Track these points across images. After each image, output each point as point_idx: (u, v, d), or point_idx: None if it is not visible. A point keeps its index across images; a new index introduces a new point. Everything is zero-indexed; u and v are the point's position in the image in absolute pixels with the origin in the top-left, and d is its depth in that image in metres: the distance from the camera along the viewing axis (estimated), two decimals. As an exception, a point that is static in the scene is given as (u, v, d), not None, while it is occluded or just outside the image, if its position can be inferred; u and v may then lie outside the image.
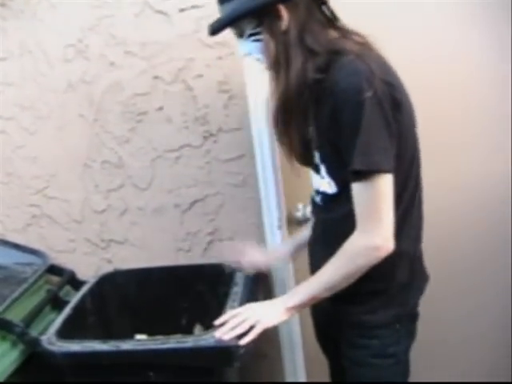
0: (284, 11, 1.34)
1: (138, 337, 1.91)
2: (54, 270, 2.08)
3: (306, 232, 1.71)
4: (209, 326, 1.55)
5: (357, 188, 1.35)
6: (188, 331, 1.90)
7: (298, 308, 1.51)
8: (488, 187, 1.96)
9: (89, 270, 2.14)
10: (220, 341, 1.45)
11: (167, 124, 1.99)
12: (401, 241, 1.41)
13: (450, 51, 1.88)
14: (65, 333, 1.66)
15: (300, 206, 2.06)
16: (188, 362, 1.52)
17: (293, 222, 2.07)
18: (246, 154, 1.96)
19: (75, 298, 1.87)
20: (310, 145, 1.47)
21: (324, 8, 1.42)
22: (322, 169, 1.46)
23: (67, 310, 1.79)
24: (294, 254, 1.78)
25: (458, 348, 2.11)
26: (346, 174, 1.35)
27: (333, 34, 1.41)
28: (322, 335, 1.76)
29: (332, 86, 1.31)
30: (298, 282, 1.90)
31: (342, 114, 1.31)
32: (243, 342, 1.43)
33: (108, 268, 2.12)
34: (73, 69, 2.01)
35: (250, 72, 1.88)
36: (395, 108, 1.32)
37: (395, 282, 1.47)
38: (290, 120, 1.45)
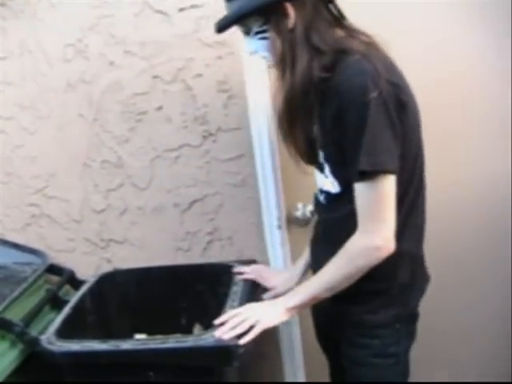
0: (291, 9, 1.35)
1: (138, 336, 1.91)
2: (53, 269, 2.08)
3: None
4: (208, 326, 1.55)
5: (360, 188, 1.35)
6: (187, 331, 1.90)
7: (299, 308, 1.51)
8: (488, 182, 1.97)
9: (88, 269, 2.14)
10: (219, 340, 1.45)
11: (167, 124, 1.99)
12: (403, 241, 1.42)
13: (450, 50, 1.88)
14: (64, 332, 1.66)
15: (299, 205, 2.06)
16: (187, 361, 1.51)
17: (292, 222, 2.07)
18: (246, 154, 1.96)
19: (75, 298, 1.87)
20: (315, 144, 1.47)
21: (331, 7, 1.43)
22: (326, 168, 1.46)
23: (67, 310, 1.79)
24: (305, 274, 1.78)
25: (458, 340, 2.11)
26: (349, 173, 1.35)
27: (339, 32, 1.41)
28: (322, 335, 1.76)
29: (337, 86, 1.32)
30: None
31: (346, 114, 1.31)
32: (243, 341, 1.44)
33: (107, 267, 2.12)
34: (72, 68, 2.01)
35: (249, 72, 1.88)
36: (400, 109, 1.32)
37: (397, 283, 1.47)
38: (294, 118, 1.45)
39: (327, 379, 1.85)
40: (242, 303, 1.61)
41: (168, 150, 2.01)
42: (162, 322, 1.93)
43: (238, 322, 1.47)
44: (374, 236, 1.36)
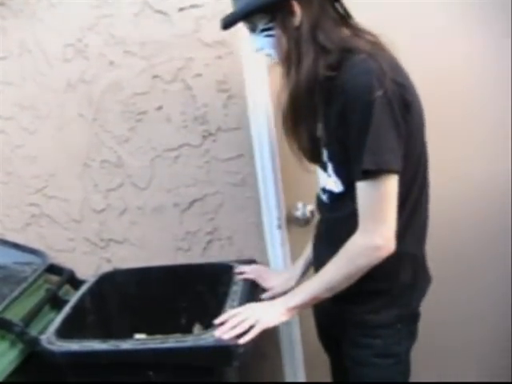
0: (297, 7, 1.35)
1: (138, 336, 1.91)
2: (53, 269, 2.08)
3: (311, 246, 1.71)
4: (208, 326, 1.55)
5: (362, 187, 1.35)
6: (187, 330, 1.90)
7: (299, 308, 1.51)
8: (488, 179, 1.97)
9: (88, 269, 2.14)
10: (219, 340, 1.46)
11: (166, 123, 1.99)
12: (405, 241, 1.42)
13: (450, 49, 1.88)
14: (64, 332, 1.66)
15: (299, 204, 2.06)
16: (187, 361, 1.51)
17: (292, 221, 2.07)
18: (245, 154, 1.96)
19: (74, 298, 1.87)
20: (318, 142, 1.47)
21: (337, 5, 1.43)
22: (329, 167, 1.46)
23: (66, 310, 1.79)
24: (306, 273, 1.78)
25: (458, 339, 2.11)
26: (352, 172, 1.35)
27: (345, 31, 1.41)
28: (324, 335, 1.76)
29: (343, 84, 1.32)
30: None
31: (351, 113, 1.31)
32: (242, 340, 1.44)
33: (107, 267, 2.12)
34: (72, 68, 2.01)
35: (249, 71, 1.88)
36: (405, 108, 1.32)
37: (398, 283, 1.47)
38: (299, 116, 1.45)
39: (327, 379, 1.85)
40: (241, 303, 1.61)
41: (168, 149, 2.01)
42: (162, 321, 1.93)
43: (237, 322, 1.47)
44: (375, 235, 1.36)
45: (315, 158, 1.53)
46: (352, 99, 1.30)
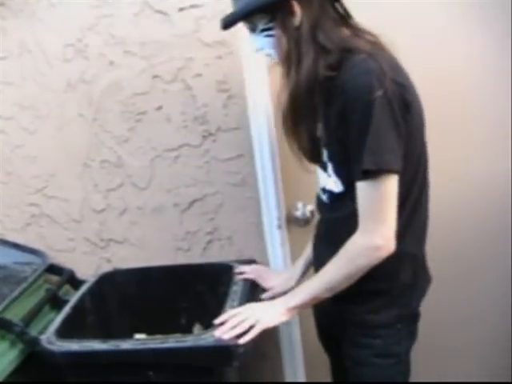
0: (297, 7, 1.35)
1: (138, 336, 1.91)
2: (53, 269, 2.08)
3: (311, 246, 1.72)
4: (208, 326, 1.55)
5: (362, 187, 1.35)
6: (187, 331, 1.90)
7: (299, 308, 1.51)
8: (488, 179, 1.97)
9: (88, 269, 2.14)
10: (219, 340, 1.45)
11: (166, 123, 1.99)
12: (405, 241, 1.42)
13: (450, 49, 1.88)
14: (64, 332, 1.66)
15: (299, 205, 2.06)
16: (187, 361, 1.51)
17: (292, 221, 2.07)
18: (245, 154, 1.96)
19: (74, 298, 1.87)
20: (318, 142, 1.47)
21: (337, 5, 1.43)
22: (329, 167, 1.46)
23: (66, 310, 1.79)
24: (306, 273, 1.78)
25: (458, 339, 2.11)
26: (352, 172, 1.35)
27: (345, 31, 1.42)
28: (324, 335, 1.76)
29: (343, 84, 1.32)
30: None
31: (351, 113, 1.31)
32: (242, 340, 1.44)
33: (107, 267, 2.12)
34: (72, 68, 2.01)
35: (249, 71, 1.88)
36: (405, 108, 1.32)
37: (398, 283, 1.47)
38: (299, 116, 1.45)
39: (327, 379, 1.85)
40: (241, 303, 1.61)
41: (168, 149, 2.01)
42: (162, 321, 1.93)
43: (237, 322, 1.47)
44: (375, 236, 1.36)
45: (315, 158, 1.53)
46: (352, 99, 1.31)
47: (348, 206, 1.41)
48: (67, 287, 2.05)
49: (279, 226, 2.00)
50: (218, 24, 1.81)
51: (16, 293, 1.83)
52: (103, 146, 2.05)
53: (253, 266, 1.88)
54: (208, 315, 1.60)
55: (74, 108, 2.04)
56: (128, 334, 1.89)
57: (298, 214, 2.06)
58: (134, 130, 2.02)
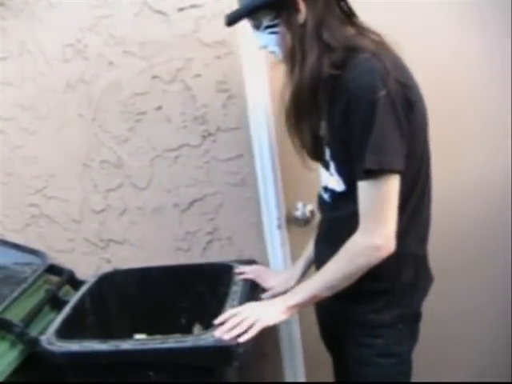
0: (302, 4, 1.35)
1: (138, 336, 1.91)
2: (53, 269, 2.07)
3: (311, 246, 1.72)
4: (208, 326, 1.55)
5: (364, 186, 1.35)
6: (187, 331, 1.90)
7: (299, 307, 1.51)
8: (488, 179, 1.97)
9: (88, 269, 2.14)
10: (219, 340, 1.45)
11: (166, 123, 1.99)
12: (407, 241, 1.42)
13: (450, 49, 1.88)
14: (64, 332, 1.66)
15: (299, 204, 2.06)
16: (187, 361, 1.51)
17: (292, 221, 2.07)
18: (245, 154, 1.96)
19: (74, 298, 1.87)
20: (321, 141, 1.47)
21: (342, 4, 1.43)
22: (332, 166, 1.46)
23: (66, 310, 1.79)
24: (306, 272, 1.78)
25: (458, 339, 2.12)
26: (354, 171, 1.35)
27: (350, 30, 1.42)
28: (326, 333, 1.76)
29: (346, 83, 1.32)
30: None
31: (354, 112, 1.31)
32: (242, 339, 1.44)
33: (107, 268, 2.12)
34: (72, 68, 2.01)
35: (248, 71, 1.88)
36: (408, 108, 1.32)
37: (400, 283, 1.48)
38: (301, 113, 1.45)
39: (327, 379, 1.86)
40: (241, 303, 1.61)
41: (167, 149, 2.01)
42: (162, 321, 1.93)
43: (237, 322, 1.47)
44: (375, 235, 1.36)
45: (317, 156, 1.53)
46: (355, 98, 1.31)
47: (349, 205, 1.41)
48: (67, 288, 2.04)
49: (279, 226, 2.00)
50: (217, 24, 1.83)
51: (16, 293, 1.83)
52: (103, 146, 2.05)
53: (253, 266, 1.88)
54: (208, 315, 1.60)
55: (73, 108, 2.04)
56: (128, 335, 1.89)
57: (298, 213, 2.06)
58: (134, 130, 2.02)
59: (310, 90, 1.38)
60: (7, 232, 2.19)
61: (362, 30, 1.43)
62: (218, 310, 1.58)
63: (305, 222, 2.05)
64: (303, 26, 1.36)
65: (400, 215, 1.37)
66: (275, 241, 2.01)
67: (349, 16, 1.44)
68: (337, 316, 1.58)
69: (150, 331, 1.89)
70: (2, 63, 2.05)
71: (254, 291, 1.76)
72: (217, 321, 1.51)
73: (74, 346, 1.57)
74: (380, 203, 1.34)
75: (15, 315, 1.75)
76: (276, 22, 1.40)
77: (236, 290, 1.73)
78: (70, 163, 2.09)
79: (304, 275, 1.75)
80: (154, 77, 1.95)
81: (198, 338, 1.51)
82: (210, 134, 1.97)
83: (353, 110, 1.32)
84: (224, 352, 1.46)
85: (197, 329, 1.93)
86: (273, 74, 1.87)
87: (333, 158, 1.46)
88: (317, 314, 1.76)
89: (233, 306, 1.60)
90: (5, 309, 1.74)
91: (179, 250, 2.09)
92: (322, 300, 1.51)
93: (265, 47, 1.48)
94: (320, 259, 1.56)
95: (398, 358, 1.51)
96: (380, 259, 1.37)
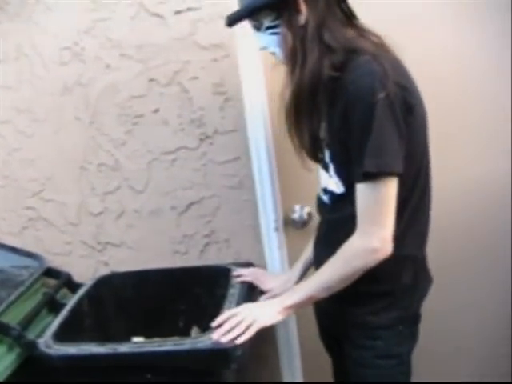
0: (303, 5, 1.35)
1: (135, 339, 1.90)
2: (50, 272, 2.07)
3: (310, 248, 1.72)
4: (206, 328, 1.55)
5: (362, 189, 1.35)
6: (185, 333, 1.90)
7: (296, 307, 1.51)
8: (488, 180, 1.98)
9: (85, 272, 2.14)
10: (217, 343, 1.45)
11: (163, 126, 1.99)
12: (407, 243, 1.42)
13: (450, 49, 1.89)
14: (62, 336, 1.65)
15: (297, 207, 2.06)
16: (185, 364, 1.51)
17: (289, 224, 2.07)
18: (242, 156, 1.96)
19: (72, 301, 1.87)
20: (320, 142, 1.48)
21: (343, 6, 1.43)
22: (331, 167, 1.47)
23: (64, 313, 1.78)
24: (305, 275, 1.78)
25: (458, 339, 2.12)
26: (352, 174, 1.36)
27: (350, 32, 1.41)
28: (325, 335, 1.76)
29: (346, 85, 1.32)
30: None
31: (353, 114, 1.31)
32: (239, 341, 1.44)
33: (105, 271, 2.12)
34: (69, 71, 2.01)
35: (245, 74, 1.88)
36: (407, 111, 1.32)
37: (400, 284, 1.48)
38: (301, 114, 1.45)
39: (325, 380, 1.85)
40: (239, 305, 1.61)
41: (165, 152, 2.01)
42: (160, 324, 1.93)
43: (235, 323, 1.47)
44: (372, 238, 1.36)
45: (316, 157, 1.54)
46: (354, 100, 1.31)
47: (349, 207, 1.41)
48: (64, 291, 2.04)
49: (276, 229, 2.00)
50: (214, 27, 1.83)
51: (13, 296, 1.82)
52: (100, 149, 2.05)
53: (250, 269, 1.89)
54: (206, 318, 1.60)
55: (70, 111, 2.04)
56: (126, 337, 1.88)
57: (296, 216, 2.06)
58: (131, 133, 2.02)
59: (310, 90, 1.39)
60: (4, 235, 2.19)
61: (362, 31, 1.43)
62: (216, 313, 1.57)
63: (302, 224, 2.05)
64: (304, 27, 1.36)
65: (399, 217, 1.37)
66: (273, 243, 2.01)
67: (349, 18, 1.44)
68: (336, 318, 1.58)
69: (148, 334, 1.89)
70: (-2, 66, 2.05)
71: (251, 294, 1.76)
72: (214, 323, 1.51)
73: (72, 349, 1.57)
74: (378, 206, 1.34)
75: (12, 318, 1.75)
76: (277, 22, 1.40)
77: (233, 292, 1.73)
78: (67, 166, 2.09)
79: (302, 278, 1.75)
80: (151, 80, 1.96)
81: (196, 340, 1.51)
82: (207, 137, 1.97)
83: (352, 112, 1.32)
84: (222, 354, 1.46)
85: (194, 331, 1.92)
86: (270, 77, 1.88)
87: (332, 159, 1.46)
88: (316, 316, 1.76)
89: (230, 309, 1.60)
90: (2, 312, 1.74)
91: (177, 252, 2.09)
92: (321, 301, 1.51)
93: (265, 48, 1.48)
94: (319, 261, 1.56)
95: (397, 359, 1.51)
96: (377, 261, 1.37)
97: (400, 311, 1.49)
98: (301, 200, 2.04)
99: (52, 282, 2.06)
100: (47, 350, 1.58)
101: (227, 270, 1.88)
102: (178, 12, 1.88)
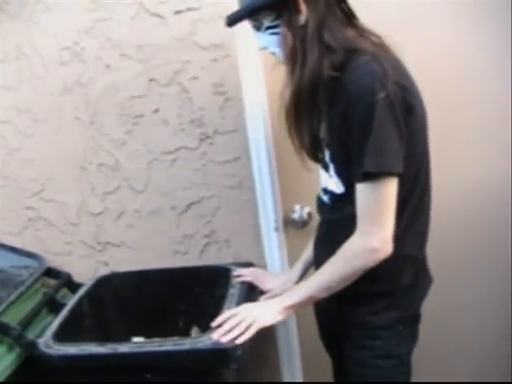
0: (303, 5, 1.36)
1: (135, 339, 1.90)
2: (50, 272, 2.07)
3: (310, 248, 1.72)
4: (206, 328, 1.55)
5: (362, 189, 1.35)
6: (185, 333, 1.90)
7: (296, 307, 1.51)
8: (488, 180, 1.98)
9: (85, 272, 2.14)
10: (217, 343, 1.45)
11: (163, 126, 1.99)
12: (407, 243, 1.42)
13: (450, 49, 1.89)
14: (62, 336, 1.65)
15: (297, 207, 2.06)
16: (185, 364, 1.51)
17: (289, 224, 2.07)
18: (242, 156, 1.96)
19: (72, 301, 1.87)
20: (320, 142, 1.48)
21: (343, 6, 1.43)
22: (331, 167, 1.47)
23: (64, 313, 1.78)
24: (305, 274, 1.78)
25: (458, 339, 2.12)
26: (352, 173, 1.36)
27: (350, 32, 1.42)
28: (325, 334, 1.76)
29: (346, 85, 1.32)
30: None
31: (353, 114, 1.31)
32: (239, 341, 1.44)
33: (105, 271, 2.12)
34: (69, 71, 2.01)
35: (245, 74, 1.88)
36: (407, 111, 1.32)
37: (400, 284, 1.48)
38: (301, 114, 1.45)
39: (325, 380, 1.85)
40: (239, 305, 1.61)
41: (165, 152, 2.01)
42: (160, 324, 1.93)
43: (235, 323, 1.47)
44: (372, 238, 1.36)
45: (316, 157, 1.54)
46: (354, 100, 1.31)
47: (349, 207, 1.41)
48: (64, 291, 2.04)
49: (276, 229, 2.00)
50: (214, 27, 1.83)
51: (13, 296, 1.82)
52: (100, 149, 2.05)
53: (250, 269, 1.89)
54: (206, 318, 1.60)
55: (70, 111, 2.04)
56: (126, 337, 1.88)
57: (296, 216, 2.06)
58: (131, 133, 2.02)
59: (310, 90, 1.39)
60: (4, 235, 2.18)
61: (362, 31, 1.43)
62: (216, 313, 1.57)
63: (302, 224, 2.05)
64: (304, 27, 1.36)
65: (399, 217, 1.37)
66: (272, 243, 2.01)
67: (349, 18, 1.44)
68: (336, 318, 1.58)
69: (148, 334, 1.89)
70: (-2, 66, 2.05)
71: (251, 294, 1.76)
72: (214, 323, 1.51)
73: (72, 349, 1.57)
74: (378, 206, 1.34)
75: (12, 318, 1.75)
76: (277, 22, 1.40)
77: (233, 292, 1.73)
78: (67, 166, 2.09)
79: (302, 278, 1.75)
80: (151, 80, 1.96)
81: (196, 340, 1.51)
82: (207, 137, 1.97)
83: (352, 112, 1.32)
84: (222, 354, 1.46)
85: (194, 331, 1.92)
86: (269, 77, 1.88)
87: (332, 159, 1.46)
88: (316, 316, 1.76)
89: (230, 309, 1.60)
90: (2, 312, 1.74)
91: (177, 252, 2.09)
92: (321, 301, 1.51)
93: (265, 48, 1.48)
94: (319, 261, 1.56)
95: (397, 359, 1.51)
96: (377, 262, 1.37)
97: (400, 311, 1.49)
98: (301, 200, 2.04)
99: (52, 282, 2.06)
100: (47, 350, 1.58)
101: (227, 270, 1.88)
102: (177, 12, 1.88)
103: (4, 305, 1.77)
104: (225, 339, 1.45)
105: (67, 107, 2.04)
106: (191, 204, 2.04)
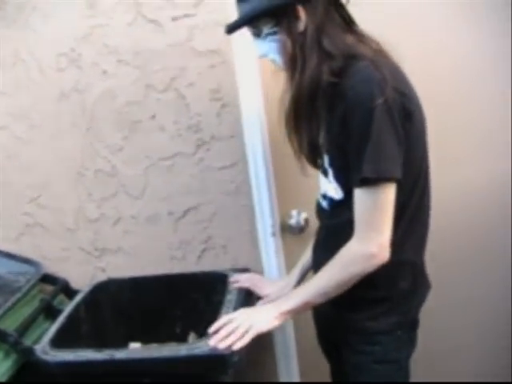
0: (302, 12, 1.36)
1: (132, 345, 1.90)
2: (47, 279, 2.07)
3: (308, 253, 1.72)
4: (203, 334, 1.55)
5: (360, 194, 1.35)
6: (182, 339, 1.90)
7: (293, 313, 1.51)
8: (488, 180, 1.99)
9: (82, 278, 2.13)
10: (214, 349, 1.45)
11: (160, 132, 1.99)
12: (405, 248, 1.43)
13: (450, 49, 1.89)
14: (58, 342, 1.65)
15: (294, 212, 2.06)
16: (182, 370, 1.51)
17: (286, 229, 2.07)
18: (239, 162, 1.96)
19: (69, 307, 1.86)
20: (319, 148, 1.48)
21: (342, 11, 1.44)
22: (330, 173, 1.47)
23: (61, 319, 1.78)
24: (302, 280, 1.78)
25: (457, 339, 2.13)
26: (351, 179, 1.36)
27: (349, 38, 1.42)
28: (323, 339, 1.76)
29: (345, 91, 1.33)
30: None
31: (352, 120, 1.32)
32: (235, 347, 1.44)
33: (102, 277, 2.12)
34: (66, 78, 2.01)
35: (242, 80, 1.88)
36: (405, 117, 1.33)
37: (398, 290, 1.48)
38: (300, 119, 1.46)
39: (322, 385, 1.86)
40: (236, 311, 1.61)
41: (162, 158, 2.01)
42: (157, 330, 1.93)
43: (231, 329, 1.47)
44: (370, 243, 1.36)
45: (315, 162, 1.55)
46: (353, 106, 1.31)
47: (347, 213, 1.41)
48: (61, 297, 2.04)
49: (273, 234, 2.00)
50: (211, 33, 1.84)
51: (10, 303, 1.82)
52: (97, 155, 2.05)
53: (247, 275, 1.89)
54: (203, 324, 1.60)
55: (67, 117, 2.04)
56: (123, 343, 1.88)
57: (293, 221, 2.06)
58: (128, 138, 2.02)
59: (309, 96, 1.39)
60: (1, 241, 2.17)
61: (361, 37, 1.44)
62: (213, 319, 1.57)
63: (299, 230, 2.05)
64: (303, 33, 1.37)
65: (397, 223, 1.37)
66: (270, 249, 2.01)
67: (348, 23, 1.45)
68: (334, 323, 1.58)
69: (145, 340, 1.89)
70: (-5, 72, 2.05)
71: (248, 300, 1.77)
72: (211, 329, 1.51)
73: (69, 355, 1.57)
74: (376, 211, 1.35)
75: (9, 325, 1.75)
76: (276, 29, 1.40)
77: (231, 298, 1.74)
78: (64, 172, 2.09)
79: (300, 283, 1.75)
80: (148, 86, 1.96)
81: (193, 346, 1.51)
82: (204, 143, 1.97)
83: (351, 118, 1.32)
84: (219, 360, 1.46)
85: (191, 337, 1.92)
86: (266, 83, 1.88)
87: (331, 164, 1.47)
88: (314, 321, 1.76)
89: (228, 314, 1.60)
90: (-1, 318, 1.74)
91: (174, 258, 2.09)
92: (320, 307, 1.51)
93: (265, 55, 1.48)
94: (318, 266, 1.56)
95: (396, 364, 1.51)
96: (374, 267, 1.38)
97: (399, 316, 1.49)
98: (298, 205, 2.04)
99: (49, 288, 2.06)
100: (44, 357, 1.58)
101: (224, 276, 1.88)
102: (174, 18, 1.89)
103: (1, 311, 1.76)
104: (222, 345, 1.45)
105: (64, 113, 2.04)
106: (188, 210, 2.04)
